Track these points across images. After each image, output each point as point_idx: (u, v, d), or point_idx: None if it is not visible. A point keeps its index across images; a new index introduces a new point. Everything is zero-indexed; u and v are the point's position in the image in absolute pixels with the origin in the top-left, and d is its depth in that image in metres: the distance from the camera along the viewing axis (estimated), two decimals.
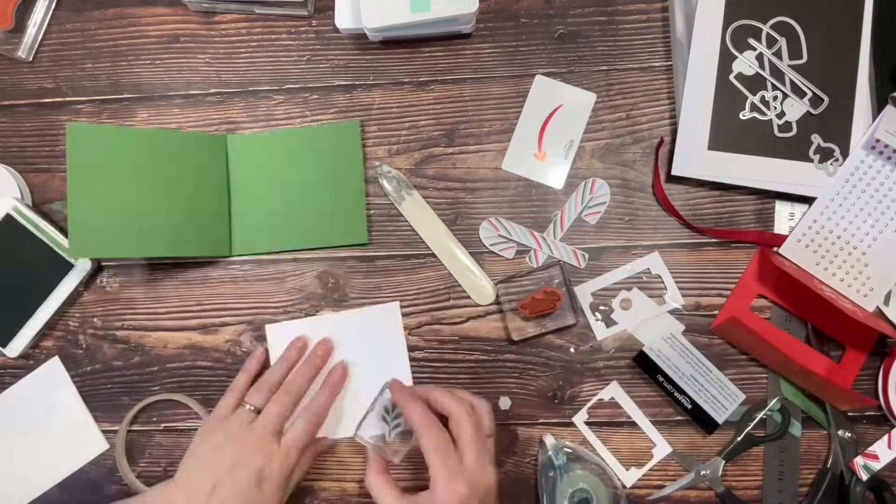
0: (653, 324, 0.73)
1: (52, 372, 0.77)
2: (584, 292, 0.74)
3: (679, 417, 0.73)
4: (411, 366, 0.75)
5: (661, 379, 0.72)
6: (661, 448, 0.73)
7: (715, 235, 0.74)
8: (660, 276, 0.74)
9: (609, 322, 0.74)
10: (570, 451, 0.72)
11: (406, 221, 0.76)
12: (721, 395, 0.72)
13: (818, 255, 0.72)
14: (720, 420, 0.71)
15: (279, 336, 0.75)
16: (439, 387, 0.66)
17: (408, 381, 0.75)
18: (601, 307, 0.74)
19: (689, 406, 0.72)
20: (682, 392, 0.72)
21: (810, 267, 0.72)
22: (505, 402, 0.74)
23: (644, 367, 0.72)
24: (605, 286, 0.74)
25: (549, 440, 0.72)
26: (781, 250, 0.72)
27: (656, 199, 0.74)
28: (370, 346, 0.75)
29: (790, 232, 0.73)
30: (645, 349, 0.72)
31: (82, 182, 0.69)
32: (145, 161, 0.72)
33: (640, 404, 0.73)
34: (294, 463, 0.68)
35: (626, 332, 0.74)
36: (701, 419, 0.72)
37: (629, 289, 0.74)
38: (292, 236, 0.76)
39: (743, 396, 0.72)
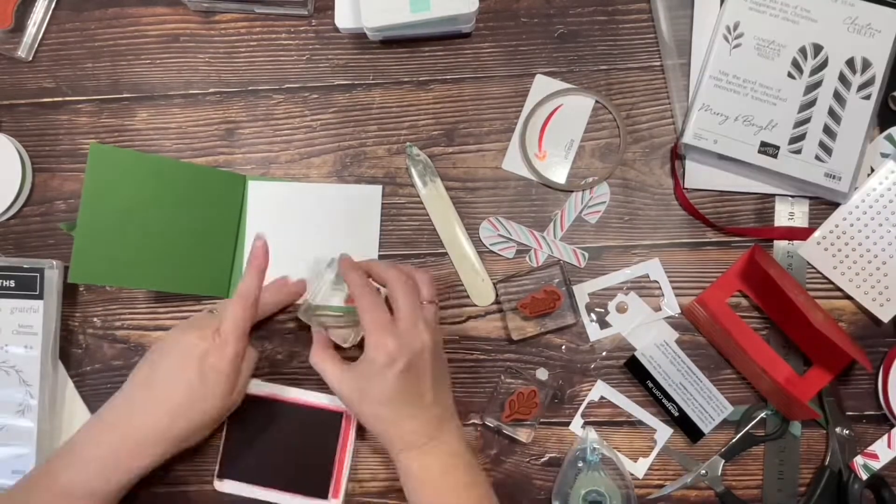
0: (647, 329, 0.73)
1: None
2: (582, 292, 0.74)
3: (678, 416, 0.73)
4: None
5: (650, 385, 0.72)
6: (662, 433, 0.73)
7: (742, 234, 0.73)
8: (658, 282, 0.74)
9: (603, 324, 0.74)
10: (604, 450, 0.72)
11: (405, 222, 0.76)
12: (709, 405, 0.72)
13: (837, 259, 0.72)
14: (706, 430, 0.72)
15: (262, 195, 0.76)
16: (382, 261, 0.70)
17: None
18: (597, 308, 0.74)
19: (677, 413, 0.72)
20: (671, 399, 0.72)
21: (827, 270, 0.72)
22: (542, 373, 0.73)
23: (634, 372, 0.72)
24: (602, 287, 0.74)
25: (592, 434, 0.72)
26: (801, 251, 0.72)
27: (679, 205, 0.74)
28: (345, 223, 0.76)
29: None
30: (637, 354, 0.72)
31: (96, 206, 0.68)
32: (161, 191, 0.72)
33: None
34: (234, 351, 0.66)
35: (619, 335, 0.74)
36: (686, 427, 0.72)
37: (626, 293, 0.74)
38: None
39: (731, 408, 0.72)
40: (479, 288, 0.75)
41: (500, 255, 0.75)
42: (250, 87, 0.78)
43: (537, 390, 0.71)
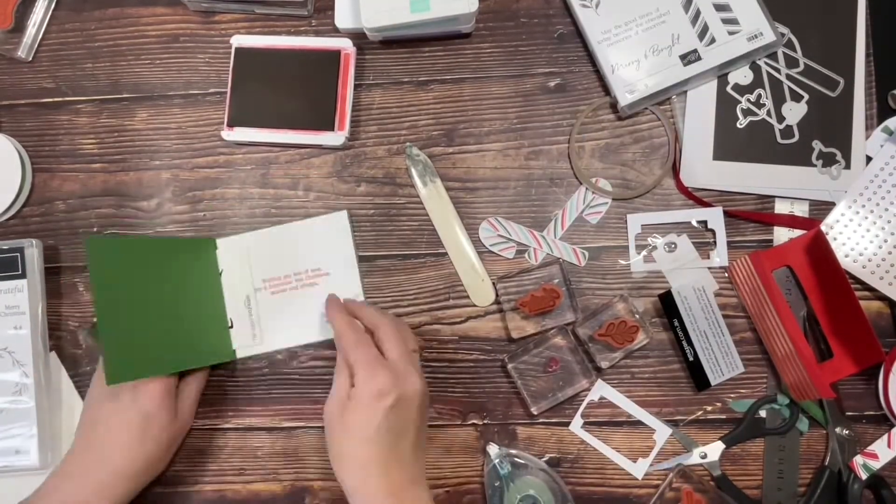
0: (690, 272, 0.73)
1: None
2: (635, 222, 0.74)
3: (679, 417, 0.73)
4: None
5: (675, 324, 0.72)
6: (662, 433, 0.73)
7: (748, 218, 0.74)
8: (714, 232, 0.74)
9: (647, 259, 0.74)
10: (515, 458, 0.71)
11: (405, 223, 0.76)
12: (723, 360, 0.72)
13: (847, 246, 0.72)
14: (713, 381, 0.72)
15: (231, 251, 0.75)
16: (370, 305, 0.70)
17: (358, 291, 0.74)
18: (647, 239, 0.74)
19: (692, 359, 0.72)
20: (690, 343, 0.72)
21: (839, 258, 0.72)
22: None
23: (665, 307, 0.72)
24: (656, 222, 0.74)
25: (493, 449, 0.71)
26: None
27: (682, 194, 0.75)
28: (319, 256, 0.74)
29: (790, 230, 0.73)
30: (673, 290, 0.72)
31: (108, 301, 0.64)
32: (155, 270, 0.70)
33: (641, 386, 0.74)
34: (161, 386, 0.67)
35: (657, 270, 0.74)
36: (696, 375, 0.72)
37: (679, 234, 0.74)
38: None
39: (743, 369, 0.72)
40: (479, 288, 0.75)
41: (499, 256, 0.75)
42: None
43: (640, 327, 0.71)
